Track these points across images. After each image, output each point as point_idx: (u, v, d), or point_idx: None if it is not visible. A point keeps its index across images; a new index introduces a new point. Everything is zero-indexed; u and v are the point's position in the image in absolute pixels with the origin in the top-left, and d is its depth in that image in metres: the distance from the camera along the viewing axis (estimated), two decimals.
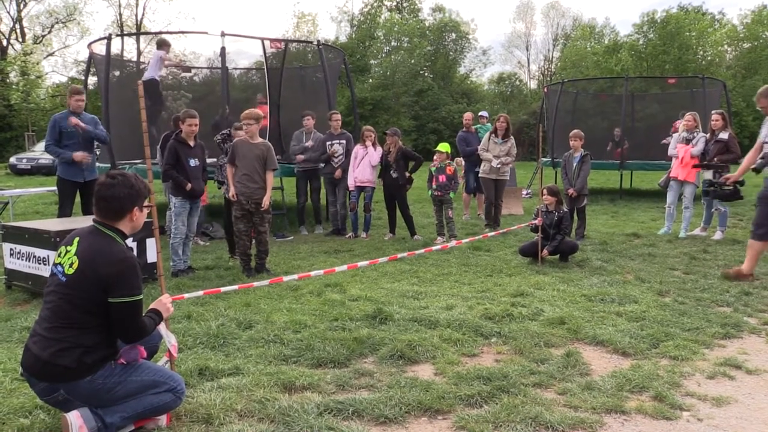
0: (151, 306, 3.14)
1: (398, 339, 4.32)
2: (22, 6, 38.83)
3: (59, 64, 52.51)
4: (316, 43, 11.41)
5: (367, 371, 3.83)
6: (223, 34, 9.60)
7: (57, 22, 39.38)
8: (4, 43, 38.64)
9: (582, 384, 3.62)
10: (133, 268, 2.79)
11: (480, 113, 12.95)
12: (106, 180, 2.92)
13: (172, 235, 6.92)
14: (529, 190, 15.94)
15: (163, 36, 11.11)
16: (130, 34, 12.68)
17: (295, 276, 4.80)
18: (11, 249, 6.13)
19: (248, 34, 10.05)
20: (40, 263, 5.81)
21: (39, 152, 25.02)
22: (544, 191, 7.42)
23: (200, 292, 3.87)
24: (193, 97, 14.32)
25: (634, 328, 4.70)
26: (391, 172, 9.07)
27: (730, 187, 6.69)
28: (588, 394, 3.47)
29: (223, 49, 9.66)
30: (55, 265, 2.88)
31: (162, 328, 3.20)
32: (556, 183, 12.04)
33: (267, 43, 10.00)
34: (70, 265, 2.79)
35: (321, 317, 4.97)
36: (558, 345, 4.38)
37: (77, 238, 2.89)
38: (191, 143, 6.87)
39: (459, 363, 4.01)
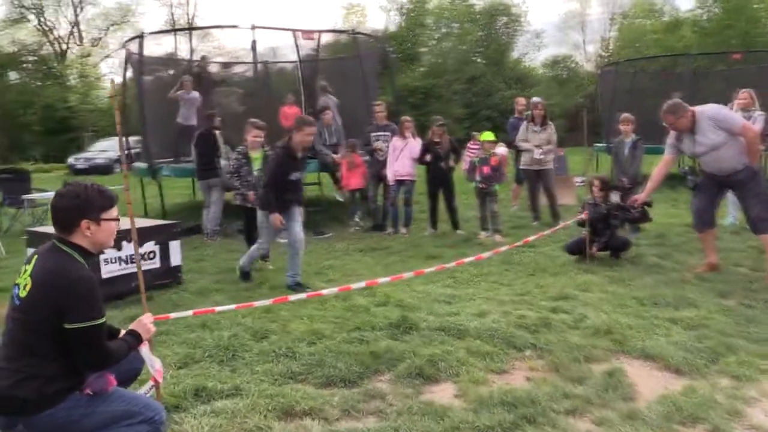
0: (130, 326, 2.85)
1: (419, 354, 3.92)
2: (79, 10, 39.97)
3: (116, 65, 53.87)
4: (350, 31, 11.05)
5: (379, 392, 3.44)
6: (253, 27, 9.37)
7: (112, 24, 40.34)
8: (64, 47, 39.91)
9: (623, 412, 3.13)
10: (89, 289, 2.49)
11: (533, 99, 12.24)
12: (58, 190, 2.65)
13: (258, 244, 6.40)
14: (584, 178, 15.15)
15: None
16: (161, 32, 12.65)
17: (335, 289, 4.47)
18: None
19: (281, 26, 9.72)
20: None
21: (96, 152, 25.70)
22: (596, 182, 6.84)
23: (189, 312, 3.55)
24: (245, 92, 14.14)
25: (690, 338, 4.14)
26: (441, 163, 8.64)
27: (638, 210, 6.34)
28: (629, 426, 2.97)
29: (254, 42, 9.41)
30: (14, 285, 2.61)
31: (145, 350, 2.91)
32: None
33: (299, 34, 9.69)
34: (24, 287, 2.51)
35: (341, 326, 4.60)
36: (600, 360, 3.88)
37: (36, 256, 2.61)
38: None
39: (484, 382, 3.58)
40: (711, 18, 40.11)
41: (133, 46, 10.94)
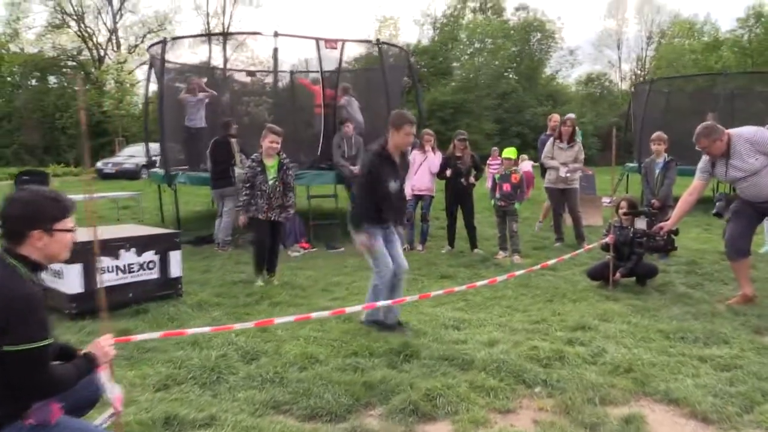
0: (86, 348, 2.58)
1: (417, 386, 3.57)
2: (118, 17, 40.73)
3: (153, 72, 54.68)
4: (375, 41, 10.79)
5: (365, 430, 3.11)
6: (275, 35, 9.18)
7: (149, 32, 40.95)
8: (102, 53, 40.65)
9: None
10: (32, 307, 2.22)
11: (568, 116, 11.81)
12: (8, 195, 2.40)
13: (375, 277, 4.89)
14: (613, 198, 14.62)
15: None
16: (183, 37, 12.64)
17: (326, 313, 4.15)
18: None
19: (303, 34, 9.53)
20: (55, 276, 5.46)
21: (124, 157, 25.94)
22: (623, 204, 6.44)
23: (157, 334, 3.26)
24: (275, 102, 14.00)
25: (721, 381, 3.71)
26: (461, 179, 8.30)
27: (663, 238, 5.86)
28: None
29: (275, 50, 9.21)
30: None
31: (103, 376, 2.63)
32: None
33: (322, 43, 9.47)
34: None
35: (338, 350, 4.29)
36: (617, 402, 3.48)
37: None
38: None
39: (485, 422, 3.22)
40: (752, 39, 39.14)
41: (157, 52, 10.86)
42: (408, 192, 8.67)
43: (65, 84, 39.69)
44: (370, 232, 4.75)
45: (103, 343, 2.58)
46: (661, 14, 47.86)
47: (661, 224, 5.85)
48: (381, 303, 4.36)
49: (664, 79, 19.10)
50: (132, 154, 25.68)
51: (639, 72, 47.18)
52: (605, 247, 6.28)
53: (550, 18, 46.05)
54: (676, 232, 5.87)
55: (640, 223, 6.30)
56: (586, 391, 3.57)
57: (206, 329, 3.47)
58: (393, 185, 4.84)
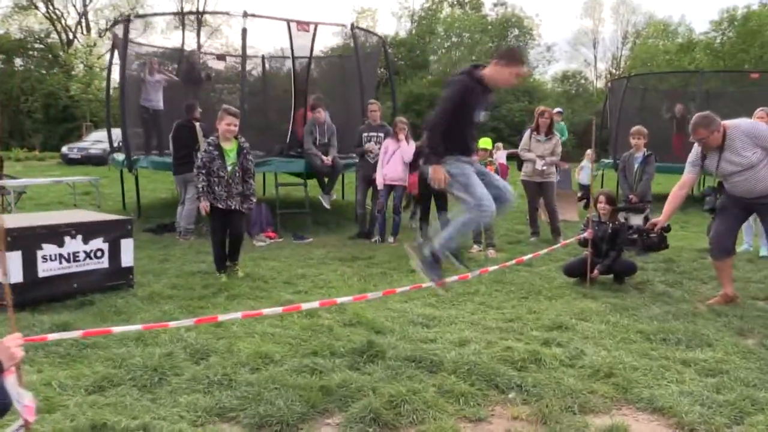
0: None
1: (380, 391, 3.24)
2: (88, 0, 39.60)
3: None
4: (349, 26, 10.39)
5: None
6: (245, 15, 8.73)
7: (120, 16, 39.87)
8: (71, 36, 39.51)
9: None
10: None
11: (555, 110, 11.53)
12: None
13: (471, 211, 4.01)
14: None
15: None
16: (149, 15, 12.21)
17: (279, 309, 3.79)
18: None
19: (275, 15, 9.09)
20: None
21: (90, 142, 25.18)
22: (601, 198, 6.18)
23: (78, 333, 2.88)
24: (249, 90, 13.53)
25: (707, 387, 3.44)
26: None
27: (657, 235, 5.63)
28: None
29: (244, 30, 8.77)
30: None
31: (10, 381, 2.24)
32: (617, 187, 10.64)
33: (293, 25, 9.06)
34: None
35: (296, 349, 3.94)
36: (598, 410, 3.19)
37: None
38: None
39: None
40: (724, 42, 39.60)
41: (121, 32, 10.34)
42: (380, 181, 8.37)
43: (31, 67, 38.52)
44: (461, 167, 4.02)
45: (9, 344, 2.19)
46: (636, 14, 48.24)
47: (654, 221, 5.57)
48: (339, 300, 4.01)
49: (641, 76, 19.01)
50: (99, 139, 24.90)
51: (614, 71, 47.47)
52: (583, 243, 6.03)
53: (528, 14, 46.25)
54: (668, 229, 5.60)
55: (636, 220, 6.02)
56: (564, 398, 3.27)
57: (137, 327, 3.08)
58: (479, 116, 4.14)
